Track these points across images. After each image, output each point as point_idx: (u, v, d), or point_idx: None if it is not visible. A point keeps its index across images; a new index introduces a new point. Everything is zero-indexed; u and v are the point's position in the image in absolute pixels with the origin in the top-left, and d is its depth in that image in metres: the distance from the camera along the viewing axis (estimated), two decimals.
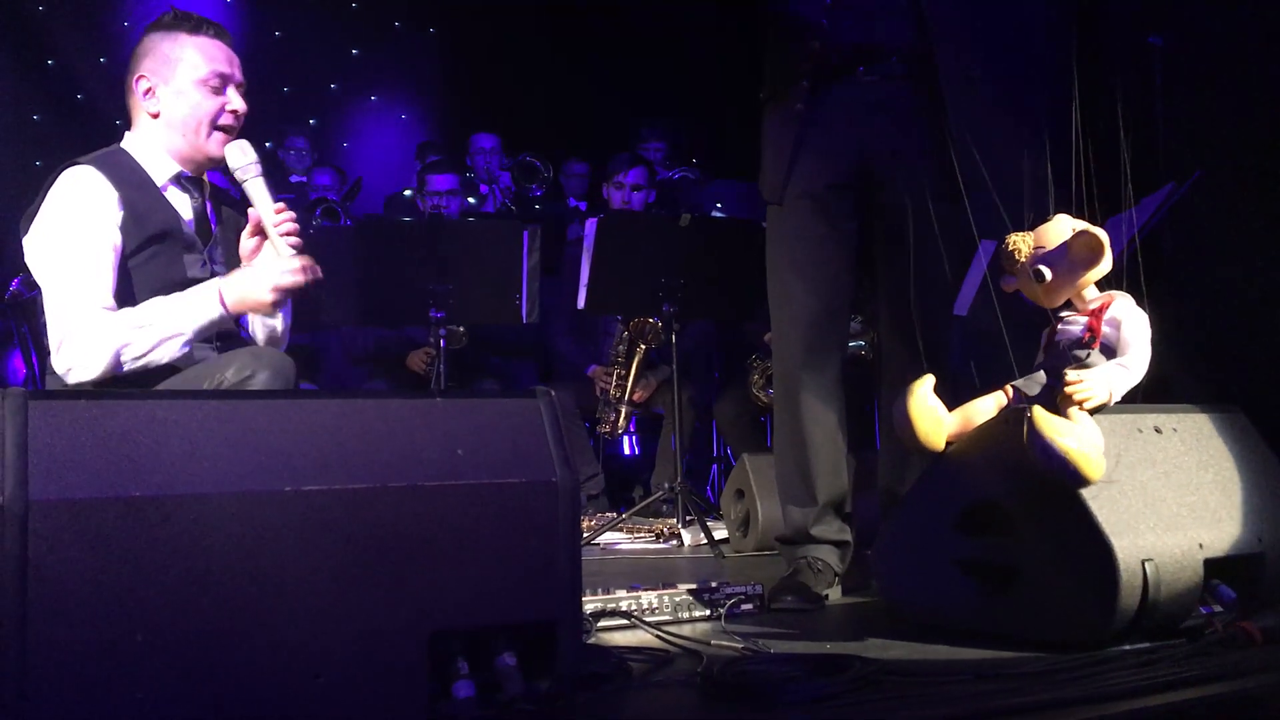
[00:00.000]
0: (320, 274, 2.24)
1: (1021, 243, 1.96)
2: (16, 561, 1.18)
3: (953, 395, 2.00)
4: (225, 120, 2.30)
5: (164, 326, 2.14)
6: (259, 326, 2.43)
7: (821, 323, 2.44)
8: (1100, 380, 1.83)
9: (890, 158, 2.42)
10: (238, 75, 2.32)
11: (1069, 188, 2.13)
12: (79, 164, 2.22)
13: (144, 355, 2.12)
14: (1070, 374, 1.82)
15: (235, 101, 2.31)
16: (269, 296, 2.19)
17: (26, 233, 2.21)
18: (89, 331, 2.11)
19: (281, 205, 2.26)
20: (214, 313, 2.17)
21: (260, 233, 2.28)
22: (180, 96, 2.27)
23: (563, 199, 6.04)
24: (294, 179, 5.78)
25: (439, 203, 4.78)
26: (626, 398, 4.44)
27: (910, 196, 2.38)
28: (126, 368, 2.12)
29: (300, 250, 2.22)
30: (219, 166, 2.36)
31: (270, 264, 2.22)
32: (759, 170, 2.55)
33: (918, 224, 2.36)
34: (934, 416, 1.95)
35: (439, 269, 3.70)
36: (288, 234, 2.22)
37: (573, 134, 6.20)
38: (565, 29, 6.35)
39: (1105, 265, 1.93)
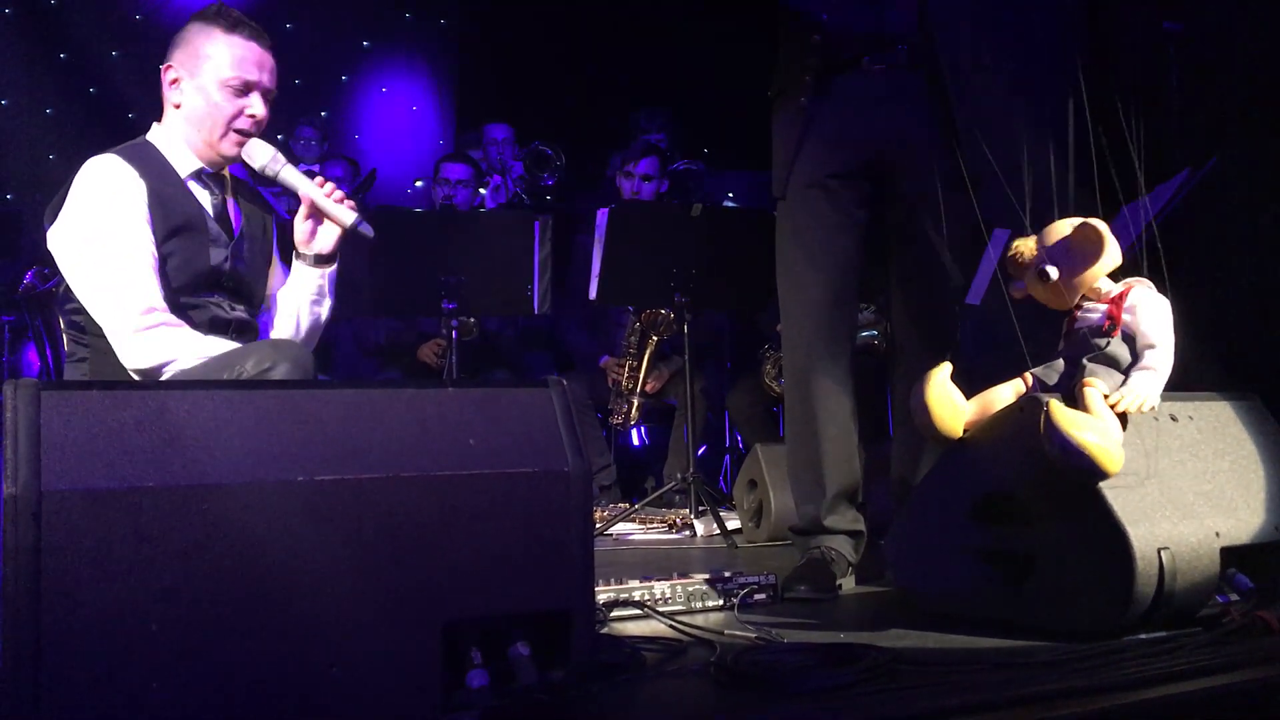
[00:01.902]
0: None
1: (1024, 246, 1.94)
2: (30, 552, 1.18)
3: (966, 384, 1.99)
4: (242, 124, 2.29)
5: (208, 357, 2.16)
6: (305, 314, 2.43)
7: (833, 312, 2.43)
8: (1138, 392, 1.80)
9: (900, 147, 2.41)
10: (266, 81, 2.30)
11: (1082, 175, 2.11)
12: (106, 154, 2.22)
13: (181, 372, 2.15)
14: (1112, 396, 1.79)
15: (255, 107, 2.29)
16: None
17: (51, 224, 2.21)
18: (142, 334, 2.14)
19: (321, 179, 2.34)
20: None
21: (314, 214, 2.35)
22: (201, 93, 2.26)
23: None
24: (302, 168, 5.79)
25: (449, 191, 4.79)
26: (638, 389, 4.44)
27: (921, 185, 2.36)
28: (165, 375, 2.16)
29: (356, 209, 2.34)
30: (234, 164, 2.36)
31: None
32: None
33: (929, 213, 2.35)
34: (952, 404, 1.94)
35: (450, 260, 3.70)
36: (341, 199, 2.33)
37: (587, 124, 6.18)
38: (578, 19, 6.34)
39: (1111, 257, 1.87)
